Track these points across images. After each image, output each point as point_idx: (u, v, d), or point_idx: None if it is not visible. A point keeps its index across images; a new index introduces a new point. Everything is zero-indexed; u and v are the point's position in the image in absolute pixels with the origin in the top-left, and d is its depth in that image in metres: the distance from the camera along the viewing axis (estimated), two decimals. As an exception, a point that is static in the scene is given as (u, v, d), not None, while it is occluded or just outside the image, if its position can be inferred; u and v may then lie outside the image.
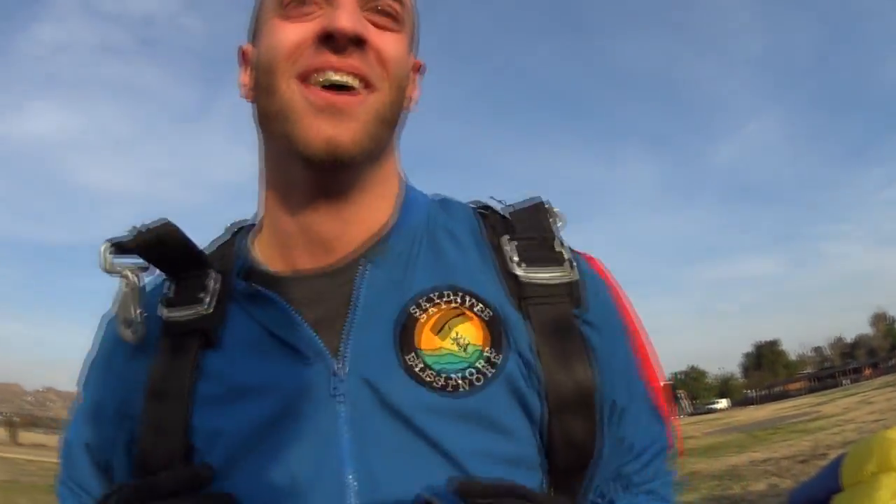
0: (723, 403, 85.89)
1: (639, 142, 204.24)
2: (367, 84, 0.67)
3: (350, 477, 0.62)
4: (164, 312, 0.72)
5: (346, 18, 0.64)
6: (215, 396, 0.68)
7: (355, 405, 0.64)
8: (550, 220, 0.76)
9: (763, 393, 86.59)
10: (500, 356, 0.67)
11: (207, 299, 0.71)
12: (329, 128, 0.65)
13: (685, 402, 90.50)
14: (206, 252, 0.77)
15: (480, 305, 0.68)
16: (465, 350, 0.66)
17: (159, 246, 0.71)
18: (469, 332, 0.67)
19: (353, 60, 0.66)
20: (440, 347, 0.66)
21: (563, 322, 0.70)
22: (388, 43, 0.69)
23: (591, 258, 0.82)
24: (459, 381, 0.65)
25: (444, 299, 0.68)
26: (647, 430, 0.78)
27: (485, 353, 0.66)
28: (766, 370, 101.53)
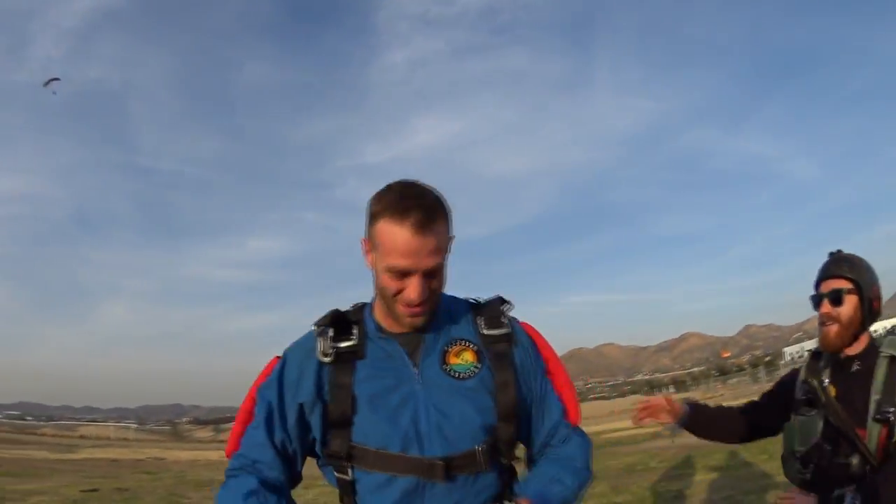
0: None
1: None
2: (431, 300, 1.54)
3: (423, 406, 1.50)
4: (336, 345, 1.57)
5: (416, 294, 1.48)
6: (364, 379, 1.53)
7: (425, 383, 1.53)
8: (502, 306, 1.67)
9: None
10: (481, 366, 1.57)
11: (355, 338, 1.58)
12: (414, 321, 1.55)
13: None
14: (348, 311, 1.66)
15: (472, 344, 1.60)
16: (466, 362, 1.57)
17: (335, 319, 1.61)
18: (468, 356, 1.58)
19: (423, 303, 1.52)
20: (457, 362, 1.57)
21: (502, 354, 1.60)
22: (437, 281, 1.53)
23: (523, 323, 1.72)
24: (463, 375, 1.55)
25: (457, 343, 1.59)
26: (552, 410, 1.67)
27: (474, 364, 1.57)
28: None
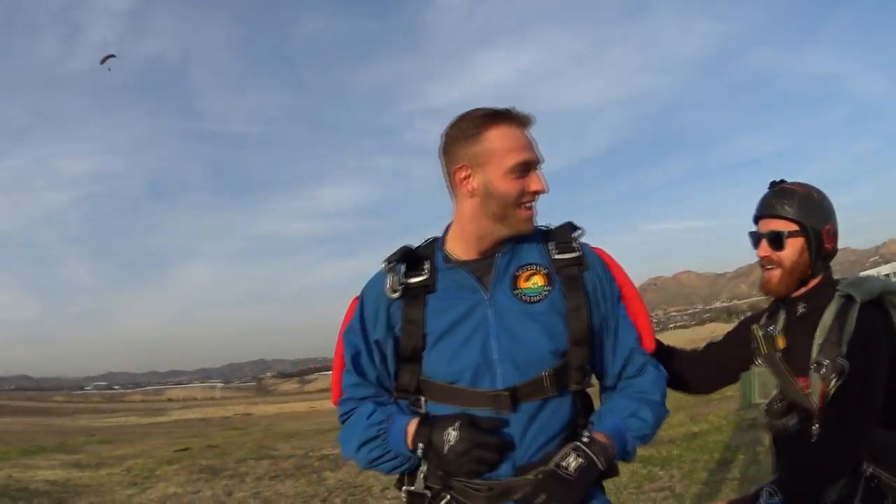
0: None
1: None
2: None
3: (494, 332, 1.54)
4: (406, 280, 1.62)
5: (544, 181, 1.59)
6: (435, 312, 1.59)
7: (496, 308, 1.56)
8: (573, 232, 1.67)
9: None
10: (552, 289, 1.58)
11: (426, 272, 1.63)
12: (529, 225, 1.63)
13: None
14: (420, 245, 1.73)
15: (543, 268, 1.61)
16: (536, 286, 1.58)
17: (405, 255, 1.66)
18: (538, 279, 1.59)
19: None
20: (527, 286, 1.58)
21: (574, 278, 1.60)
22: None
23: (596, 248, 1.70)
24: (534, 299, 1.57)
25: (527, 267, 1.61)
26: (626, 337, 1.66)
27: (545, 288, 1.58)
28: None
